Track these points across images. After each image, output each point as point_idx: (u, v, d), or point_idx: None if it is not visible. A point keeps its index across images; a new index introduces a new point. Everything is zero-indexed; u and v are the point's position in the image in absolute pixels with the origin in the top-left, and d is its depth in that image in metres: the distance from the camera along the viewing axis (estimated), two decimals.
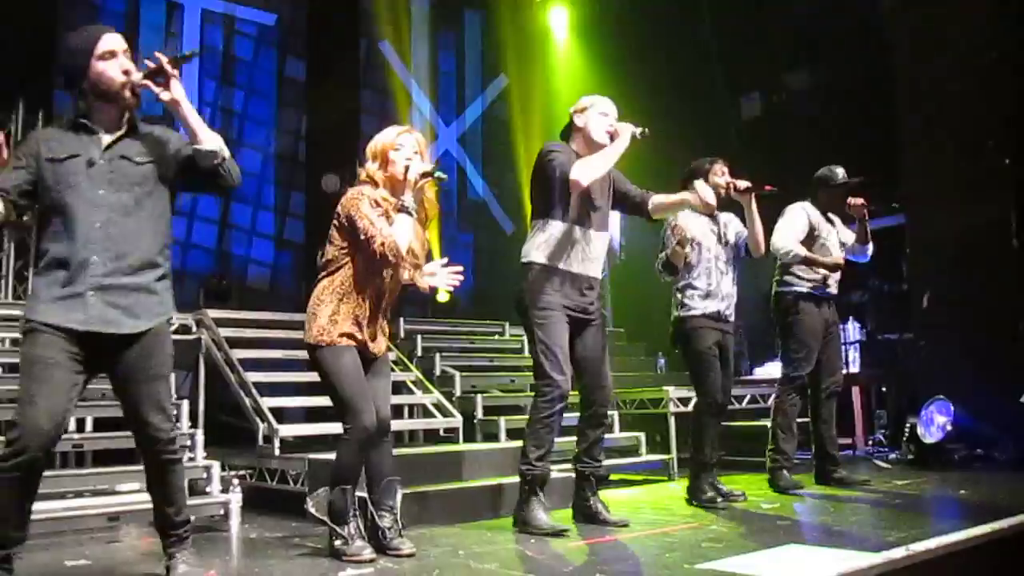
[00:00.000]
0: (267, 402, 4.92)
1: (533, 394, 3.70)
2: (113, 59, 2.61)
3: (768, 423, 4.86)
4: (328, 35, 8.72)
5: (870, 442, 6.67)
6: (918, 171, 6.54)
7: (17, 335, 3.66)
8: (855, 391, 6.82)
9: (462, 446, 5.25)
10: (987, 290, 6.01)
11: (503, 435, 5.46)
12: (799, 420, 4.81)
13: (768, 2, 8.18)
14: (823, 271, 4.74)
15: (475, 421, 5.76)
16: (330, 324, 3.11)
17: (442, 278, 3.45)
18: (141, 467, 2.77)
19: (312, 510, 3.12)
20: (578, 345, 3.70)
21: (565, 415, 3.68)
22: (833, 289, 4.85)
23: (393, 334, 6.23)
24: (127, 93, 2.63)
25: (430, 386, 5.94)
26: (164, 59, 2.61)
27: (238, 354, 5.37)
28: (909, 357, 6.93)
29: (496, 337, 7.66)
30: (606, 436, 3.88)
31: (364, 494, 3.24)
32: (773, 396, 5.01)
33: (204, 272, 7.91)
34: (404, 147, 3.24)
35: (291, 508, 4.08)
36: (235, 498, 4.09)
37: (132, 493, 3.91)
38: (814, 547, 3.05)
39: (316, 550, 3.29)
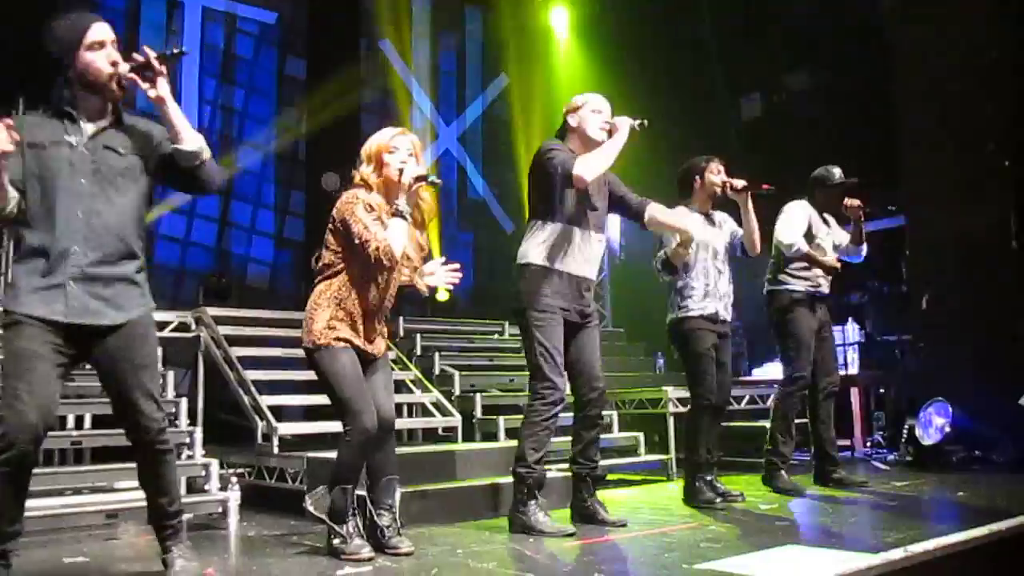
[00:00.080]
0: (266, 400, 4.92)
1: (529, 395, 3.66)
2: (101, 50, 2.56)
3: (767, 424, 4.86)
4: (329, 34, 8.71)
5: (869, 443, 6.66)
6: (918, 172, 6.53)
7: None
8: (854, 392, 6.80)
9: (461, 445, 5.25)
10: (987, 291, 6.00)
11: (502, 434, 5.47)
12: (797, 421, 4.80)
13: (768, 2, 8.18)
14: (817, 271, 4.74)
15: (474, 420, 5.77)
16: (327, 328, 3.10)
17: (441, 277, 3.44)
18: None
19: (311, 508, 3.11)
20: (573, 347, 3.68)
21: (560, 416, 3.65)
22: (825, 289, 4.84)
23: (392, 333, 6.24)
24: (113, 85, 2.59)
25: (429, 385, 5.94)
26: (152, 54, 2.57)
27: (237, 352, 5.37)
28: (908, 358, 6.94)
29: (495, 336, 7.67)
30: (604, 436, 3.88)
31: (363, 492, 3.24)
32: (773, 396, 5.01)
33: (204, 270, 7.88)
34: (399, 149, 3.19)
35: (290, 506, 4.07)
36: (234, 496, 4.09)
37: (130, 490, 3.88)
38: (812, 548, 3.05)
39: (314, 548, 3.28)
